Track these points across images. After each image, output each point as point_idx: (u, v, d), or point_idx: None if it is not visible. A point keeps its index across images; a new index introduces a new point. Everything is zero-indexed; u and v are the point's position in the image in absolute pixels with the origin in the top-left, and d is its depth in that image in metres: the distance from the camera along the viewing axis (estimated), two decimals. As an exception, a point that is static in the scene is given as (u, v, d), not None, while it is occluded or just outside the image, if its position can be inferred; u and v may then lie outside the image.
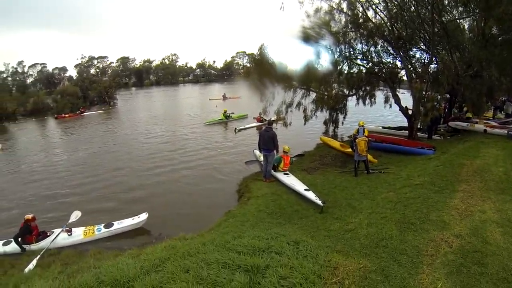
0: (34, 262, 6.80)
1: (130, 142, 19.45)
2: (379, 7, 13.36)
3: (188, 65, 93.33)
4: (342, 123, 16.79)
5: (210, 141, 17.82)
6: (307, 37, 14.11)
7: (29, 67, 66.42)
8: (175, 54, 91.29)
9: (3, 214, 10.19)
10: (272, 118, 13.53)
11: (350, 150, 11.76)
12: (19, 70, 64.77)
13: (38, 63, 67.49)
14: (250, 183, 10.33)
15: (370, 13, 13.57)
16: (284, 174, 10.25)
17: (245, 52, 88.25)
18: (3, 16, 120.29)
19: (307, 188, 8.87)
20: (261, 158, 11.81)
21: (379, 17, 13.55)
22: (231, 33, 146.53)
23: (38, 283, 4.46)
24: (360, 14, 13.63)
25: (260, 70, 14.70)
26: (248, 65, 79.88)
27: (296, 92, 14.79)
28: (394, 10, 13.03)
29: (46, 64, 67.49)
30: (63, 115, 34.63)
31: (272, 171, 10.51)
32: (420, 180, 7.60)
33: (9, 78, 62.13)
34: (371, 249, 4.62)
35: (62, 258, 6.94)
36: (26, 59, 65.06)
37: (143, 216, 8.36)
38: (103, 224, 8.29)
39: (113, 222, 8.35)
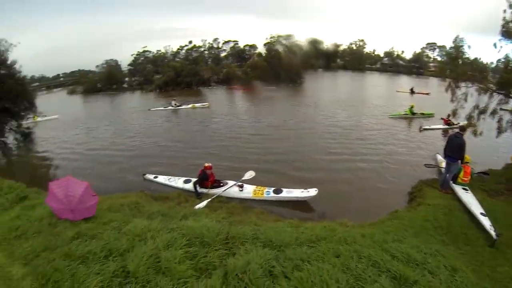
0: (205, 203, 8.11)
1: (312, 122, 20.36)
2: None
3: (376, 53, 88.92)
4: (545, 144, 13.39)
5: (391, 135, 16.95)
6: (509, 33, 11.45)
7: (223, 43, 76.10)
8: (362, 40, 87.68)
9: (188, 157, 13.13)
10: (462, 123, 11.93)
11: None
12: (215, 45, 74.92)
13: (231, 40, 76.64)
14: (425, 188, 9.61)
15: None
16: (463, 188, 9.10)
17: (435, 43, 78.51)
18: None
19: (483, 212, 7.71)
20: (443, 165, 10.78)
21: None
22: (422, 21, 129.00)
23: (204, 220, 5.37)
24: None
25: (454, 67, 12.96)
26: (439, 58, 70.39)
27: (492, 97, 12.44)
28: None
29: (238, 41, 75.91)
30: (233, 86, 40.92)
31: (451, 182, 9.43)
32: None
33: (206, 52, 73.06)
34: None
35: (229, 208, 7.93)
36: (221, 37, 74.50)
37: (313, 192, 8.53)
38: (272, 189, 8.87)
39: (283, 189, 8.80)
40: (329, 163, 12.30)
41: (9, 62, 15.89)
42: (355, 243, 4.94)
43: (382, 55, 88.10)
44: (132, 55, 61.24)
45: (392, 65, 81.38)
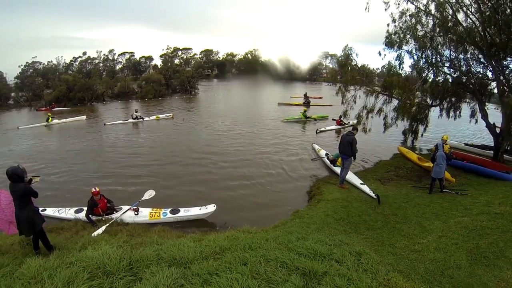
0: (103, 228, 7.33)
1: (206, 131, 19.77)
2: (470, 9, 12.07)
3: (271, 61, 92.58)
4: (422, 134, 16.05)
5: (287, 139, 17.35)
6: (392, 43, 13.74)
7: (119, 55, 72.06)
8: (258, 50, 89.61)
9: (78, 184, 11.40)
10: (351, 122, 13.44)
11: (427, 164, 11.54)
12: (110, 57, 70.50)
13: (127, 52, 73.11)
14: (323, 185, 10.10)
15: (461, 16, 12.39)
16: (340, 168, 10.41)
17: (328, 52, 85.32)
18: (99, 12, 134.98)
19: (362, 182, 9.85)
20: (321, 152, 13.28)
21: (470, 21, 12.26)
22: (316, 31, 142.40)
23: (104, 248, 4.78)
24: (450, 17, 12.51)
25: (344, 72, 14.80)
26: (331, 65, 78.53)
27: (378, 98, 14.35)
28: (487, 13, 11.52)
29: (134, 53, 72.88)
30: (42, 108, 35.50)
31: (332, 165, 11.39)
32: (501, 209, 6.86)
33: (101, 64, 68.47)
34: (435, 276, 4.39)
35: (129, 230, 7.33)
36: (117, 48, 70.74)
37: (211, 208, 8.25)
38: (169, 209, 8.41)
39: (180, 209, 8.40)
40: (224, 175, 11.93)
41: None
42: (260, 248, 4.83)
43: (277, 63, 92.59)
44: (19, 66, 52.48)
45: (286, 72, 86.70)
